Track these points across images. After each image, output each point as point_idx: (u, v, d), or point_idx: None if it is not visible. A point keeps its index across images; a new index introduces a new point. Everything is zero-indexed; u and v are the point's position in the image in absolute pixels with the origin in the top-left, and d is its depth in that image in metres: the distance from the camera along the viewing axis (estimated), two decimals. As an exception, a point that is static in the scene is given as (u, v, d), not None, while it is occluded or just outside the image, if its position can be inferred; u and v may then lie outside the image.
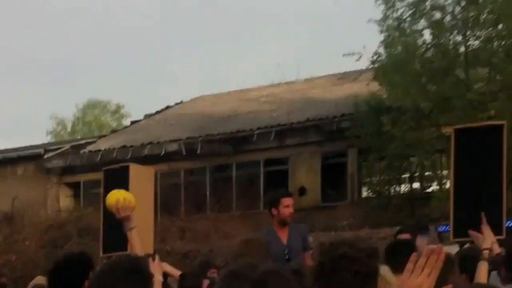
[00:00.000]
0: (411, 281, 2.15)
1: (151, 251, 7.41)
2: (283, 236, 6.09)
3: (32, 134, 64.71)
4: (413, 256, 2.20)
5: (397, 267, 3.14)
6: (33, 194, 19.93)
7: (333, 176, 16.12)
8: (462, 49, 14.85)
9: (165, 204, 15.73)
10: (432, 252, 2.17)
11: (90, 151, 20.49)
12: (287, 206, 6.03)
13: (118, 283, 2.60)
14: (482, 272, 4.26)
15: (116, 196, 4.22)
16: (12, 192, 19.31)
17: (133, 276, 2.64)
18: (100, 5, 59.70)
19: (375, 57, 15.53)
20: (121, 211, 4.20)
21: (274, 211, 6.07)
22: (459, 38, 14.98)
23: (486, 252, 4.37)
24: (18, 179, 20.96)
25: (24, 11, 58.08)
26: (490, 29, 14.40)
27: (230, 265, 1.86)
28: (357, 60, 15.44)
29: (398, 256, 3.66)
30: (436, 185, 16.73)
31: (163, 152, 18.48)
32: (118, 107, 40.97)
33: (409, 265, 2.17)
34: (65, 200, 20.30)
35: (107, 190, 6.92)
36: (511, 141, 7.20)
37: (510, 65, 13.80)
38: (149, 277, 2.71)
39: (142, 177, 7.00)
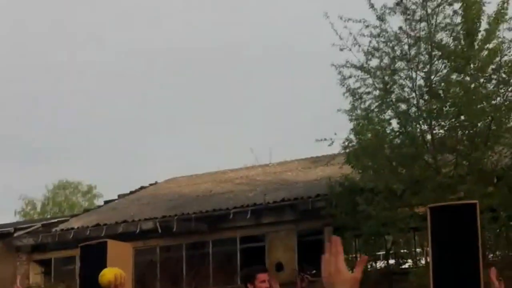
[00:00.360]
0: (336, 267, 2.25)
1: None
2: None
3: (1, 213, 63.68)
4: (327, 246, 2.30)
5: None
6: (2, 271, 19.64)
7: (309, 253, 16.26)
8: (428, 136, 15.37)
9: (140, 280, 15.63)
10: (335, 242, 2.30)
11: (62, 229, 20.54)
12: (263, 281, 6.07)
13: None
14: None
15: (113, 273, 4.23)
16: (-20, 270, 18.97)
17: None
18: (74, 86, 60.30)
19: (346, 143, 16.02)
20: (119, 287, 4.19)
21: (250, 287, 6.11)
22: (425, 127, 15.54)
23: None
24: (-14, 256, 20.84)
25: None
26: (453, 120, 14.95)
27: None
28: (330, 145, 15.87)
29: None
30: (412, 262, 17.26)
31: (138, 230, 18.55)
32: (90, 188, 41.33)
33: (326, 256, 2.28)
34: (35, 277, 20.08)
35: (85, 266, 7.02)
36: (481, 222, 7.58)
37: (474, 152, 14.38)
38: None
39: (119, 253, 7.11)
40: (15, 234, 21.00)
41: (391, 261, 17.46)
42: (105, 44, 58.96)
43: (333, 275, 2.25)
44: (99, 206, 25.66)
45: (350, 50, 15.40)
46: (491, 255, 14.78)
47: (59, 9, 59.24)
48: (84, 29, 61.21)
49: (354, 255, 17.99)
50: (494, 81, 14.96)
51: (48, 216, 36.10)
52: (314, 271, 7.12)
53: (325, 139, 15.83)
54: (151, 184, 26.03)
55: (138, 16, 59.32)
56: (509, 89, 14.82)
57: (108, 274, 4.27)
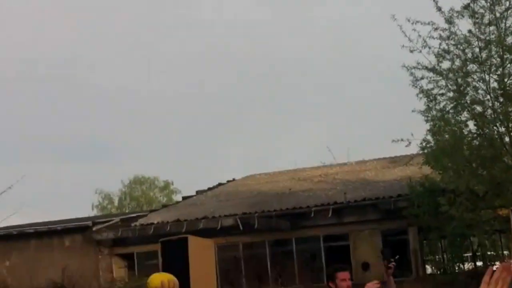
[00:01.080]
0: None
1: None
2: None
3: (77, 208, 65.67)
4: (489, 269, 2.30)
5: None
6: (83, 264, 20.05)
7: (394, 253, 16.12)
8: (507, 139, 15.12)
9: (225, 275, 15.75)
10: (504, 268, 2.30)
11: (142, 224, 20.68)
12: (343, 279, 6.09)
13: None
14: None
15: (160, 279, 4.13)
16: (60, 262, 19.44)
17: None
18: (151, 86, 61.48)
19: (424, 144, 15.94)
20: None
21: (332, 285, 6.17)
22: (502, 129, 15.30)
23: None
24: (65, 250, 21.19)
25: (68, 92, 60.11)
26: None
27: None
28: (407, 146, 15.79)
29: None
30: (499, 263, 16.76)
31: (219, 226, 18.65)
32: (167, 184, 41.94)
33: (486, 278, 2.29)
34: (119, 271, 20.42)
35: (167, 261, 7.16)
36: None
37: None
38: None
39: (201, 248, 7.22)
40: (94, 228, 21.11)
41: (479, 263, 17.36)
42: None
43: None
44: (178, 202, 26.01)
45: (420, 52, 15.34)
46: None
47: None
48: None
49: (440, 256, 17.90)
50: None
51: (126, 211, 36.91)
52: (398, 257, 7.19)
53: (402, 140, 15.78)
54: (228, 181, 26.24)
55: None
56: None
57: (154, 279, 4.27)
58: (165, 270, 7.20)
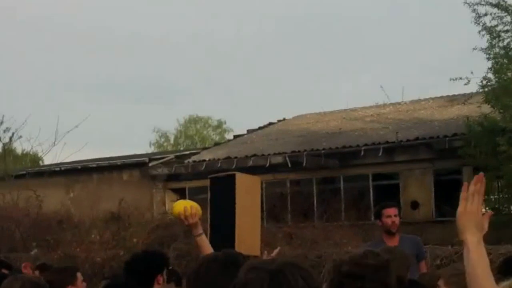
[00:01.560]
0: (470, 208, 2.47)
1: (258, 253, 7.49)
2: (392, 243, 6.09)
3: (136, 145, 67.32)
4: (465, 185, 2.50)
5: None
6: (139, 197, 20.59)
7: (446, 192, 15.81)
8: None
9: (271, 211, 15.80)
10: (477, 180, 2.50)
11: (194, 161, 21.01)
12: (388, 216, 6.20)
13: (215, 276, 2.56)
14: None
15: (183, 204, 4.31)
16: (118, 195, 20.00)
17: (229, 269, 2.57)
18: (210, 29, 61.22)
19: (484, 82, 15.42)
20: (189, 218, 4.27)
21: (379, 223, 6.31)
22: None
23: None
24: (123, 184, 21.98)
25: (128, 39, 60.55)
26: None
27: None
28: (466, 84, 15.31)
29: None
30: None
31: (268, 164, 18.62)
32: (220, 123, 42.42)
33: (463, 194, 2.48)
34: (171, 204, 20.69)
35: (214, 196, 7.09)
36: None
37: None
38: None
39: (248, 185, 7.11)
40: (150, 164, 21.78)
41: None
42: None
43: (465, 214, 2.47)
44: (229, 140, 26.10)
45: (484, -13, 14.66)
46: None
47: None
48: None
49: (496, 196, 17.44)
50: None
51: (181, 148, 37.60)
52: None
53: (461, 78, 15.32)
54: (279, 120, 26.09)
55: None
56: None
57: (178, 205, 4.32)
58: (212, 205, 7.16)
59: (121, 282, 4.46)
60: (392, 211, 6.34)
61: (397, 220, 6.30)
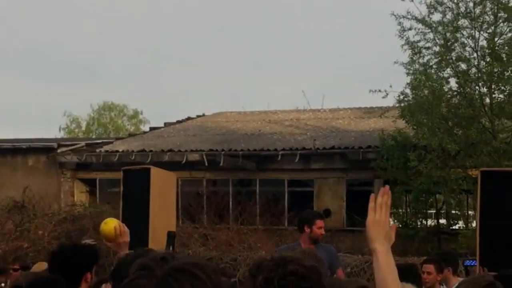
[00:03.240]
0: (378, 218, 2.58)
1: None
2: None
3: (44, 128, 65.11)
4: (371, 197, 2.60)
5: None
6: (45, 186, 19.87)
7: (358, 203, 16.24)
8: (487, 100, 14.96)
9: (186, 210, 15.71)
10: (384, 192, 2.61)
11: (107, 151, 20.45)
12: (320, 227, 6.40)
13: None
14: None
15: (111, 225, 4.30)
16: (22, 182, 19.29)
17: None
18: (126, 12, 60.24)
19: (401, 97, 15.76)
20: (120, 237, 4.25)
21: (307, 229, 6.39)
22: (484, 89, 15.12)
23: None
24: (29, 170, 21.02)
25: (46, 11, 58.66)
26: None
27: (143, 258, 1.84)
28: (384, 97, 15.66)
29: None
30: (463, 223, 17.26)
31: (184, 161, 18.50)
32: (136, 113, 41.51)
33: (371, 205, 2.58)
34: (80, 195, 20.31)
35: (127, 190, 6.98)
36: None
37: None
38: None
39: (163, 180, 7.02)
40: (59, 150, 20.97)
41: (442, 221, 17.47)
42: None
43: (374, 224, 2.56)
44: (145, 132, 25.73)
45: (412, 1, 15.04)
46: None
47: None
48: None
49: (404, 210, 18.07)
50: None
51: (93, 136, 36.62)
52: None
53: (380, 91, 15.63)
54: (198, 116, 25.96)
55: None
56: None
57: (107, 228, 4.28)
58: (125, 199, 7.01)
59: (45, 279, 3.99)
60: (323, 223, 6.63)
61: (323, 232, 6.61)
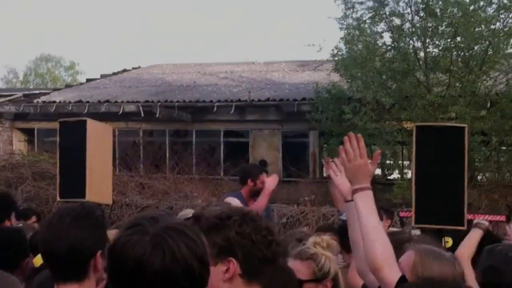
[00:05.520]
0: (357, 163, 2.69)
1: (110, 202, 7.24)
2: (251, 205, 6.15)
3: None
4: (340, 150, 2.74)
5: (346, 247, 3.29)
6: (-16, 136, 19.29)
7: (294, 154, 16.18)
8: (421, 54, 14.72)
9: (123, 159, 15.39)
10: (350, 138, 2.70)
11: (44, 102, 20.02)
12: (263, 182, 6.18)
13: (68, 228, 2.37)
14: (473, 237, 3.96)
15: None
16: (-41, 132, 18.60)
17: (82, 221, 2.41)
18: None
19: (335, 51, 15.50)
20: None
21: (250, 182, 6.21)
22: (418, 44, 14.84)
23: (482, 222, 4.16)
24: (-35, 120, 20.34)
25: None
26: (448, 40, 14.27)
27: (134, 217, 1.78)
28: (318, 51, 15.47)
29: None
30: (397, 173, 17.11)
31: (121, 112, 18.06)
32: (72, 64, 40.59)
33: (342, 157, 2.69)
34: (19, 144, 19.85)
35: (65, 142, 6.71)
36: (470, 143, 7.28)
37: (468, 74, 13.89)
38: (100, 224, 2.46)
39: (99, 132, 6.85)
40: (-4, 101, 20.40)
41: (377, 171, 17.09)
42: None
43: (352, 168, 2.65)
44: (82, 83, 24.98)
45: (345, -45, 14.47)
46: (480, 177, 14.51)
47: None
48: None
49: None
50: (494, 6, 14.23)
51: (30, 87, 35.58)
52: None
53: (313, 45, 15.38)
54: (134, 68, 25.36)
55: None
56: (510, 15, 14.21)
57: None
58: (62, 151, 6.74)
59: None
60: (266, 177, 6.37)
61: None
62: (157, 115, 17.64)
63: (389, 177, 16.79)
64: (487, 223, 4.15)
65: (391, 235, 3.40)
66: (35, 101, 20.14)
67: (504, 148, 14.77)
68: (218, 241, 1.98)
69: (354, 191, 2.64)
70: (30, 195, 12.67)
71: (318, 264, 2.94)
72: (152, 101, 18.27)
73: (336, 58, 15.60)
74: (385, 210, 6.58)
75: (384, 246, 2.57)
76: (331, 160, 3.19)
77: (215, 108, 17.61)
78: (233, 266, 1.98)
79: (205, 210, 2.33)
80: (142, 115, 17.81)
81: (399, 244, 3.17)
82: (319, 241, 3.02)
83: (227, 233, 1.98)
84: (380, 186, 15.72)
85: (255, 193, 6.19)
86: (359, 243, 2.65)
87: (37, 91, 22.83)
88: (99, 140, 6.77)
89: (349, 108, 14.44)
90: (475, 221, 4.18)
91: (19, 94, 21.55)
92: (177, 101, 18.19)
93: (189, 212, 7.46)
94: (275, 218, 9.95)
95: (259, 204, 5.92)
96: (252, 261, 1.99)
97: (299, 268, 2.91)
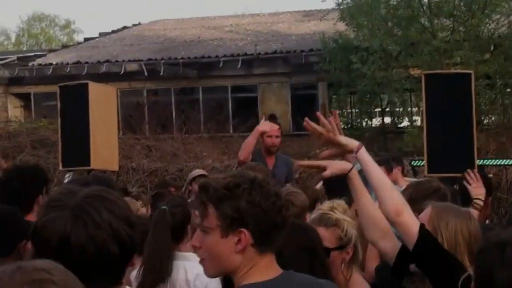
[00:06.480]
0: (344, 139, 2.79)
1: (116, 168, 7.04)
2: (270, 163, 6.28)
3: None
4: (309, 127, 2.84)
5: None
6: (-23, 103, 19.03)
7: (303, 107, 16.00)
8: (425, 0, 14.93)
9: (127, 122, 15.19)
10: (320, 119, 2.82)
11: (40, 64, 19.83)
12: (269, 136, 6.19)
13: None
14: None
15: None
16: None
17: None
18: None
19: (340, 0, 15.71)
20: None
21: (260, 139, 6.22)
22: None
23: (477, 201, 4.21)
24: (-42, 87, 20.04)
25: None
26: None
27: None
28: (323, 1, 15.39)
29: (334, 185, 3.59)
30: (407, 121, 17.49)
31: (122, 71, 17.98)
32: (68, 22, 39.79)
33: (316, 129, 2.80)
34: (15, 110, 19.56)
35: (66, 107, 6.51)
36: (476, 88, 7.57)
37: (471, 18, 14.22)
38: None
39: (102, 95, 6.63)
40: (-12, 66, 20.08)
41: (387, 120, 17.61)
42: None
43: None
44: (79, 43, 24.64)
45: None
46: (486, 120, 14.93)
47: None
48: None
49: (350, 110, 18.27)
50: None
51: (24, 49, 35.03)
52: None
53: (319, -6, 15.22)
54: (134, 25, 25.00)
55: None
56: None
57: None
58: (63, 117, 6.57)
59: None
60: (274, 132, 6.31)
61: (277, 141, 6.32)
62: (161, 73, 17.72)
63: (399, 125, 17.28)
64: (482, 203, 4.20)
65: (418, 185, 3.71)
66: (30, 64, 19.95)
67: (508, 90, 15.26)
68: (229, 212, 1.95)
69: (359, 146, 2.74)
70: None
71: (343, 230, 2.92)
72: (156, 59, 18.24)
73: (342, 7, 15.84)
74: (392, 159, 6.87)
75: (399, 194, 2.74)
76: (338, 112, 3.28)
77: (221, 64, 17.69)
78: (244, 237, 1.96)
79: (210, 178, 2.12)
80: (146, 74, 17.80)
81: (429, 193, 3.41)
82: (336, 205, 3.00)
83: (238, 203, 1.95)
84: (391, 135, 15.99)
85: (267, 150, 6.30)
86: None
87: (32, 53, 22.64)
88: (102, 103, 6.64)
89: (357, 57, 14.74)
90: (472, 202, 4.21)
91: (13, 57, 21.29)
92: (182, 58, 18.27)
93: (197, 172, 7.41)
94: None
95: (246, 143, 5.94)
96: (263, 229, 1.98)
97: (325, 235, 2.87)
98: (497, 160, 9.91)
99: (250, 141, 5.91)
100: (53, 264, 1.28)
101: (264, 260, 2.00)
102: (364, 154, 2.72)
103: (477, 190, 4.29)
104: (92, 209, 1.65)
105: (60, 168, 6.61)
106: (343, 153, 2.88)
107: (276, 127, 6.44)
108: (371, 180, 2.69)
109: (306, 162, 2.65)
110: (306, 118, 2.87)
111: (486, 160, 9.38)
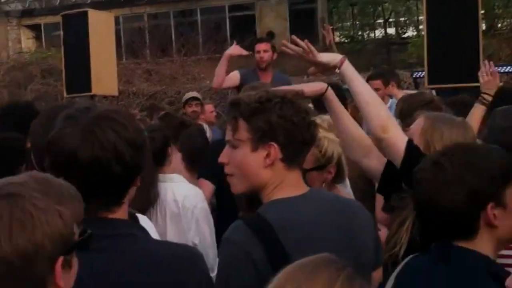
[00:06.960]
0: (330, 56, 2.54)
1: (116, 93, 7.53)
2: (265, 80, 5.99)
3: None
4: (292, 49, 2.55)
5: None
6: (-7, 36, 19.65)
7: (302, 22, 15.83)
8: None
9: (129, 47, 15.46)
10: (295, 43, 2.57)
11: (48, -6, 20.02)
12: (257, 52, 6.08)
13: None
14: (475, 114, 3.71)
15: None
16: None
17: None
18: None
19: None
20: None
21: (252, 55, 6.17)
22: None
23: (486, 96, 3.83)
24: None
25: None
26: None
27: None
28: None
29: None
30: (413, 30, 16.70)
31: (124, -4, 18.01)
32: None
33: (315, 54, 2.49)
34: (27, 41, 20.15)
35: (68, 35, 7.00)
36: None
37: None
38: None
39: (101, 22, 7.03)
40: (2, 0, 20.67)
41: (391, 31, 16.88)
42: None
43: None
44: (83, -28, 24.72)
45: None
46: (500, 24, 14.00)
47: None
48: None
49: (351, 23, 17.64)
50: None
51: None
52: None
53: None
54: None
55: None
56: None
57: None
58: (66, 45, 7.08)
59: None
60: (262, 46, 6.16)
61: (266, 55, 6.07)
62: (161, -4, 17.64)
63: (403, 36, 16.47)
64: (490, 98, 3.82)
65: (410, 98, 3.65)
66: (39, -5, 20.30)
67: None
68: (261, 125, 1.95)
69: (342, 60, 2.48)
70: (39, 94, 12.71)
71: (321, 150, 2.70)
72: (153, -17, 18.16)
73: None
74: (386, 72, 6.48)
75: (387, 110, 2.55)
76: (330, 27, 2.91)
77: (216, -17, 17.51)
78: (274, 151, 1.95)
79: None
80: (145, -4, 17.75)
81: (421, 105, 3.29)
82: (320, 121, 2.69)
83: (269, 117, 1.94)
84: (394, 46, 15.39)
85: (259, 67, 6.12)
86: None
87: (41, -15, 22.85)
88: (102, 30, 6.77)
89: (357, -34, 14.21)
90: (480, 96, 3.87)
91: (24, -11, 21.68)
92: (179, -22, 18.08)
93: (190, 94, 7.72)
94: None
95: (216, 70, 5.84)
96: (293, 144, 1.96)
97: None
98: (509, 67, 9.25)
99: (220, 68, 5.81)
100: (34, 177, 1.36)
101: (292, 176, 1.99)
102: (347, 68, 2.46)
103: (488, 84, 3.87)
104: (99, 130, 1.69)
105: (65, 95, 6.88)
106: (327, 69, 2.60)
107: (266, 44, 6.23)
108: (356, 96, 2.44)
109: (280, 90, 2.18)
110: (283, 42, 2.64)
111: (496, 67, 8.91)
